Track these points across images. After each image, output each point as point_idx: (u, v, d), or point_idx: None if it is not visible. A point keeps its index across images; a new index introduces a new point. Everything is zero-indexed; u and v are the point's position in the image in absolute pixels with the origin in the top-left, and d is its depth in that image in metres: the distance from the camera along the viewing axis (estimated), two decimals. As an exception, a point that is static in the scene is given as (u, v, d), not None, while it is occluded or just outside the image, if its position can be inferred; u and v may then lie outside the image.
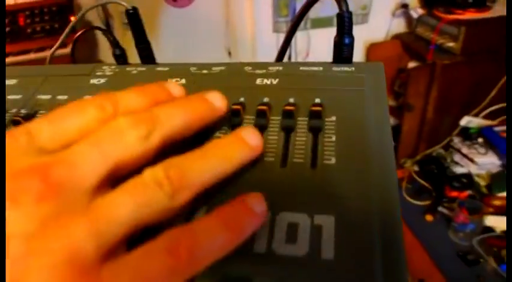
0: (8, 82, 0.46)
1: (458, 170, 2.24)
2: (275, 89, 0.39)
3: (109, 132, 0.25)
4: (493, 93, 2.14)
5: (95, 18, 2.14)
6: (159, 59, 0.53)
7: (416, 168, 2.42)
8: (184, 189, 0.24)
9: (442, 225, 2.09)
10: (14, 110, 0.42)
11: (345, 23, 0.40)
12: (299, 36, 2.29)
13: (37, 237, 0.20)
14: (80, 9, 2.07)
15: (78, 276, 0.20)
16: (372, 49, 2.49)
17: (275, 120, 0.35)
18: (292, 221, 0.27)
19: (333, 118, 0.34)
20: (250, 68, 0.42)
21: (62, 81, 0.46)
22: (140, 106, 0.28)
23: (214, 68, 0.43)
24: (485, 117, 2.24)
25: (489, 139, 2.19)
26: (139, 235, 0.24)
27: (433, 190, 2.27)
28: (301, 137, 0.33)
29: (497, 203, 2.02)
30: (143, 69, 0.46)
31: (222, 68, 0.43)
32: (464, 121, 2.24)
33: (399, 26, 2.52)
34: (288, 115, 0.34)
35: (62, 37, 0.56)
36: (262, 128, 0.34)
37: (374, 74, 0.38)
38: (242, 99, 0.37)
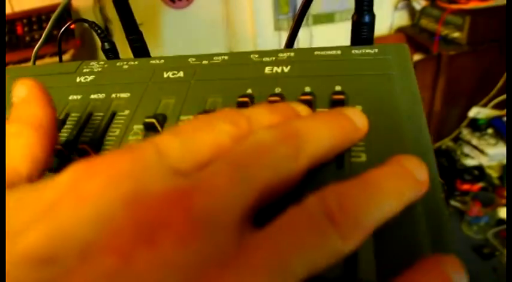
0: None
1: (469, 162, 2.20)
2: (287, 77, 0.35)
3: (250, 150, 0.21)
4: (500, 82, 2.11)
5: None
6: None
7: (426, 162, 2.38)
8: (359, 229, 0.19)
9: (455, 219, 2.05)
10: None
11: (364, -3, 0.35)
12: (301, 32, 2.26)
13: None
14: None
15: None
16: (376, 44, 2.46)
17: None
18: None
19: (358, 107, 0.30)
20: (257, 55, 0.38)
21: (45, 81, 0.43)
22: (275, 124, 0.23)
23: (215, 58, 0.40)
24: (494, 107, 2.21)
25: (499, 129, 2.15)
26: None
27: (444, 184, 2.24)
28: None
29: (511, 194, 1.98)
30: (135, 63, 0.42)
31: (225, 57, 0.40)
32: (473, 112, 2.21)
33: (402, 18, 2.49)
34: None
35: (46, 30, 0.53)
36: None
37: (400, 56, 0.34)
38: (250, 90, 0.34)
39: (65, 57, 1.05)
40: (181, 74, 0.38)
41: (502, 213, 1.93)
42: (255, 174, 0.20)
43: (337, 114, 0.26)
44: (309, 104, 0.31)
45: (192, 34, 2.28)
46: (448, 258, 0.21)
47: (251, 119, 0.23)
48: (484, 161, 2.16)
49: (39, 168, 0.24)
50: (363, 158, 0.27)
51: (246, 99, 0.32)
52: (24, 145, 0.24)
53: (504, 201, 1.97)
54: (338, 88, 0.32)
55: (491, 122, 2.19)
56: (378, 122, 0.29)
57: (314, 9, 2.23)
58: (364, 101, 0.31)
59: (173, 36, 2.26)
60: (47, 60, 1.59)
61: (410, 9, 2.46)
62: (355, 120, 0.26)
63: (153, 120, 0.34)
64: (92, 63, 0.44)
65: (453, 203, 2.11)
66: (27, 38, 1.95)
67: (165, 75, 0.39)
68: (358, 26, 0.36)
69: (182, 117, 0.35)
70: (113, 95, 0.39)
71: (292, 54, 0.37)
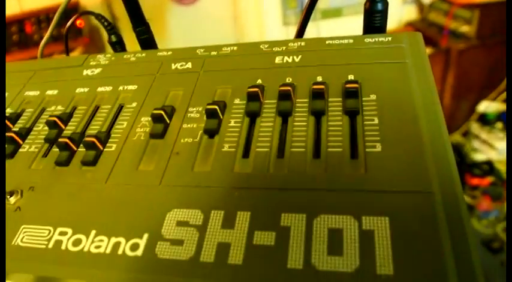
0: None
1: (478, 156, 2.18)
2: (298, 67, 0.34)
3: None
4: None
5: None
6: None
7: (435, 157, 2.37)
8: None
9: (464, 214, 2.03)
10: None
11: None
12: (308, 27, 2.25)
13: None
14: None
15: None
16: (384, 37, 2.45)
17: (302, 103, 0.31)
18: (333, 226, 0.23)
19: (373, 97, 0.30)
20: (266, 45, 0.38)
21: (51, 75, 0.43)
22: None
23: (224, 49, 0.39)
24: (503, 101, 2.19)
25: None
26: None
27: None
28: (336, 121, 0.29)
29: (520, 188, 1.96)
30: (142, 55, 0.42)
31: (234, 48, 0.39)
32: (482, 106, 2.19)
33: (411, 12, 2.47)
34: (318, 95, 0.30)
35: (53, 23, 0.52)
36: (286, 113, 0.30)
37: (414, 44, 0.33)
38: (260, 80, 0.34)
39: (73, 55, 1.05)
40: (189, 65, 0.38)
41: (512, 207, 1.92)
42: None
43: None
44: (322, 93, 0.30)
45: (200, 31, 2.27)
46: None
47: None
48: (493, 155, 2.15)
49: None
50: (378, 148, 0.26)
51: (256, 89, 0.31)
52: None
53: (514, 195, 1.95)
54: (351, 77, 0.31)
55: (501, 116, 2.17)
56: (392, 111, 0.28)
57: (322, 3, 2.22)
58: (378, 90, 0.30)
59: (181, 33, 2.25)
60: (57, 57, 1.59)
61: (418, 3, 2.44)
62: None
63: (162, 112, 0.34)
64: (98, 56, 0.43)
65: (463, 197, 2.10)
66: (36, 37, 1.95)
67: (173, 67, 0.39)
68: (371, 14, 0.35)
69: (191, 109, 0.35)
70: (120, 88, 0.39)
71: (302, 43, 0.37)
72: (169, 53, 0.41)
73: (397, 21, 2.46)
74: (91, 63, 0.42)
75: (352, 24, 2.26)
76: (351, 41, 0.35)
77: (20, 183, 0.35)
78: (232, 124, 0.32)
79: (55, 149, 0.37)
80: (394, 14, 2.44)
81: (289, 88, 0.31)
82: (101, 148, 0.35)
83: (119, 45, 0.49)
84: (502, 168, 2.10)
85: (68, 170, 0.35)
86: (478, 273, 0.21)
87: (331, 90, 0.31)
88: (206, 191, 0.29)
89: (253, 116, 0.32)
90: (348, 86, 0.30)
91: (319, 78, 0.32)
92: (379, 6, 0.35)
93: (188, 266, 0.26)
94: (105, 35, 0.50)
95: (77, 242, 0.30)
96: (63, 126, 0.38)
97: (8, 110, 0.40)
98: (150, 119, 0.35)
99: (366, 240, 0.22)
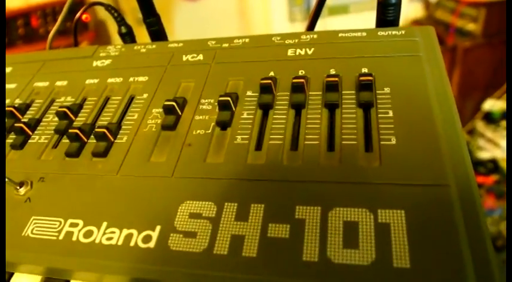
0: None
1: (483, 155, 2.18)
2: (311, 59, 0.34)
3: None
4: (516, 75, 2.08)
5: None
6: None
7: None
8: None
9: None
10: (7, 101, 0.39)
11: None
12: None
13: None
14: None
15: None
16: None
17: (315, 95, 0.31)
18: (349, 219, 0.23)
19: (387, 90, 0.29)
20: (279, 38, 0.38)
21: (61, 65, 0.43)
22: None
23: (236, 41, 0.39)
24: (509, 99, 2.18)
25: (514, 122, 2.13)
26: None
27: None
28: (350, 114, 0.29)
29: (525, 187, 1.96)
30: (153, 46, 0.42)
31: (246, 40, 0.39)
32: (488, 105, 2.18)
33: (417, 10, 2.47)
34: (331, 88, 0.30)
35: (62, 15, 0.52)
36: (300, 105, 0.30)
37: (428, 38, 0.33)
38: (272, 73, 0.33)
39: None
40: (200, 57, 0.38)
41: (517, 206, 1.91)
42: None
43: None
44: (336, 86, 0.30)
45: (206, 27, 2.26)
46: None
47: None
48: (498, 153, 2.14)
49: None
50: (393, 141, 0.26)
51: (269, 81, 0.31)
52: None
53: (519, 194, 1.95)
54: (364, 70, 0.31)
55: (506, 114, 2.16)
56: (407, 104, 0.28)
57: (329, 0, 2.22)
58: (392, 83, 0.30)
59: (187, 29, 2.25)
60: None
61: (425, 1, 2.43)
62: None
63: (173, 103, 0.34)
64: (108, 47, 0.43)
65: (467, 196, 2.10)
66: (42, 31, 1.95)
67: (184, 58, 0.39)
68: (384, 7, 0.35)
69: (203, 101, 0.35)
70: (131, 79, 0.39)
71: (315, 36, 0.36)
72: (180, 44, 0.41)
73: (403, 19, 2.45)
74: (101, 54, 0.42)
75: (359, 21, 2.25)
76: (364, 34, 0.35)
77: (29, 174, 0.35)
78: (244, 116, 0.31)
79: (65, 140, 0.37)
80: (401, 12, 2.44)
81: (302, 80, 0.31)
82: (112, 139, 0.35)
83: (128, 37, 0.49)
84: (507, 166, 2.10)
85: (78, 161, 0.35)
86: (494, 266, 0.21)
87: (344, 83, 0.31)
88: (219, 182, 0.29)
89: (266, 108, 0.32)
90: (362, 78, 0.30)
91: (333, 71, 0.32)
92: (393, -1, 0.35)
93: (201, 258, 0.25)
94: (111, 29, 0.50)
95: (88, 234, 0.29)
96: (73, 117, 0.38)
97: (17, 101, 0.40)
98: (161, 110, 0.35)
99: (381, 233, 0.22)
